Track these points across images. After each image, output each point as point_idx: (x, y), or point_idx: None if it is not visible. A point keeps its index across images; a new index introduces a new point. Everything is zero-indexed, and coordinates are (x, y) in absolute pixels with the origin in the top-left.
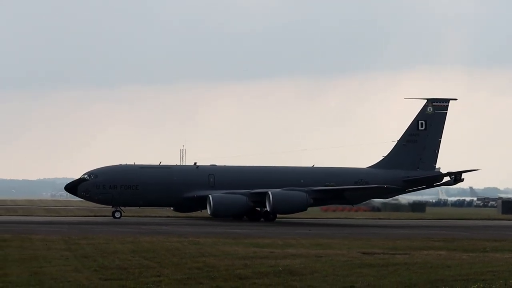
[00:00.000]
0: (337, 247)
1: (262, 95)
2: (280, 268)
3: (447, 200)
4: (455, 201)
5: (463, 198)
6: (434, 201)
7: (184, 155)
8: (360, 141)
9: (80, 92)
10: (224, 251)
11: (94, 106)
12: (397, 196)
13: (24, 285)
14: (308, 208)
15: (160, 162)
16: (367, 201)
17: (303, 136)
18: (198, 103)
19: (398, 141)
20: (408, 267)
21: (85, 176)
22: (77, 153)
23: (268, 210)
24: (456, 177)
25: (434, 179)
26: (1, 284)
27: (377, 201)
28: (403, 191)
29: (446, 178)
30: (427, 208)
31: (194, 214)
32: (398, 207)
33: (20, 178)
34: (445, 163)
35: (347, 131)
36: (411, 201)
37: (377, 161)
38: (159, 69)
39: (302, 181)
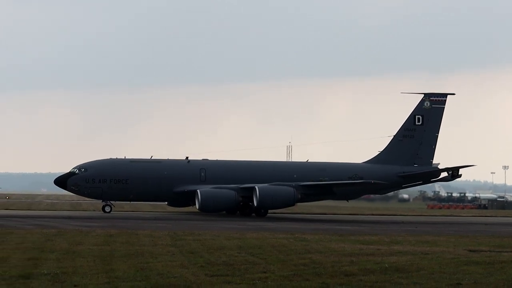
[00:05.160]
0: (443, 244)
1: (370, 91)
2: (386, 265)
3: None
4: None
5: None
6: None
7: (290, 151)
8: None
9: (195, 87)
10: (330, 247)
11: (206, 102)
12: (503, 194)
13: (130, 280)
14: (412, 205)
15: (152, 156)
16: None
17: None
18: (307, 99)
19: (394, 136)
20: None
21: (75, 170)
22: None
23: (255, 205)
24: (454, 172)
25: (431, 174)
26: (108, 279)
27: (484, 198)
28: (399, 186)
29: (444, 174)
30: None
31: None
32: (505, 205)
33: None
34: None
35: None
36: None
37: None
38: (267, 66)
39: (295, 176)
